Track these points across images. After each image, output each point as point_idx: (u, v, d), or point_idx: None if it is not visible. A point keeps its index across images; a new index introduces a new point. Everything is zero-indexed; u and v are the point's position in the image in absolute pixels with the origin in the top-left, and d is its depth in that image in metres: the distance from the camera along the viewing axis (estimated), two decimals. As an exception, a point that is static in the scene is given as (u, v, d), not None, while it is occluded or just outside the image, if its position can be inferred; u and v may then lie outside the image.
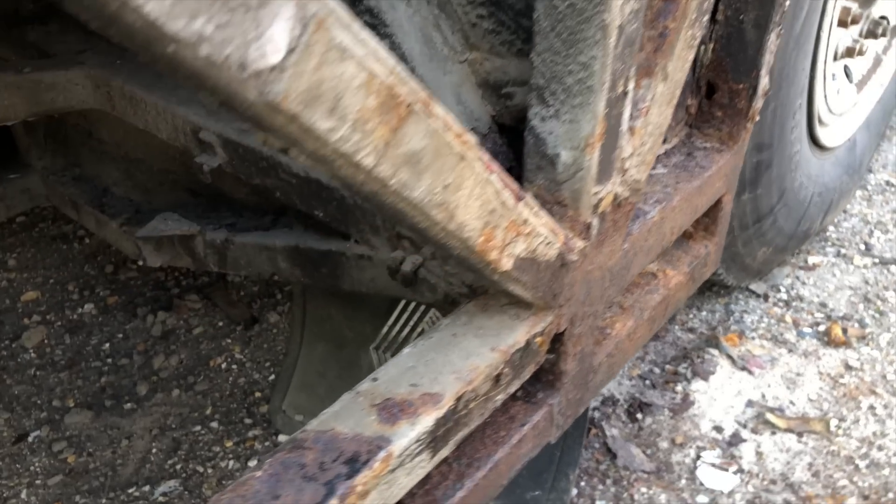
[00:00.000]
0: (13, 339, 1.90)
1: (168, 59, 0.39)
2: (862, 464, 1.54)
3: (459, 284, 0.98)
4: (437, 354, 0.77)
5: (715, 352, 1.80)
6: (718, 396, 1.69)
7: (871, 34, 1.86)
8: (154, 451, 1.62)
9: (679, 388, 1.71)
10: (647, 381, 1.74)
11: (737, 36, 1.08)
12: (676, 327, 1.91)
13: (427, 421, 0.71)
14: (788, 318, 1.92)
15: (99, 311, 1.99)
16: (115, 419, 1.69)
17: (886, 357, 1.80)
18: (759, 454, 1.56)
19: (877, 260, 2.12)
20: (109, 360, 1.84)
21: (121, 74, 1.35)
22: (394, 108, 0.49)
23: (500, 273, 0.69)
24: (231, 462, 1.59)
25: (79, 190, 1.72)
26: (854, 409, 1.66)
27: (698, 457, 1.56)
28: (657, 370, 1.77)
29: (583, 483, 1.52)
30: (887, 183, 2.48)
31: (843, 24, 1.77)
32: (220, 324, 1.94)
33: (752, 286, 2.01)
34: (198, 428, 1.67)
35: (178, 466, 1.58)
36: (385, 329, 1.54)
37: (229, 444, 1.63)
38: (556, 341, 0.89)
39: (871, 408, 1.67)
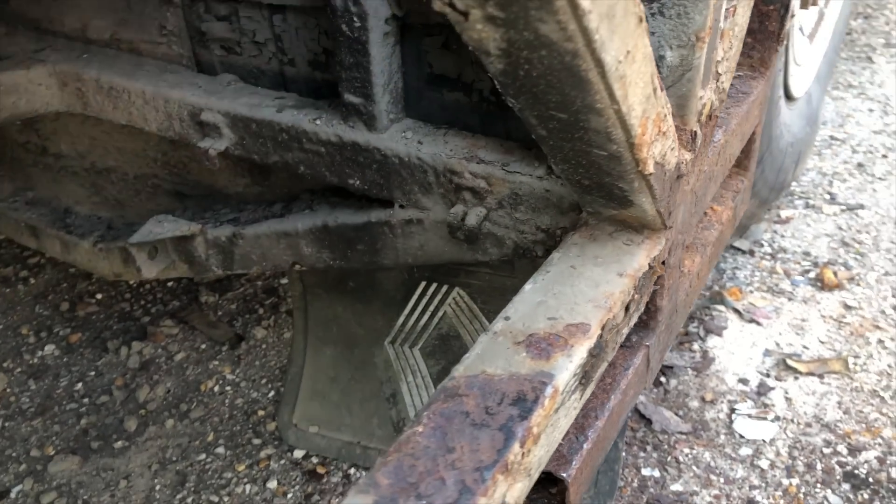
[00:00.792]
0: (-31, 393, 1.70)
1: None
2: (886, 395, 1.55)
3: (533, 231, 0.91)
4: (563, 287, 0.70)
5: (721, 308, 1.79)
6: (736, 350, 1.67)
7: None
8: (158, 487, 1.46)
9: (696, 346, 1.68)
10: (662, 345, 1.71)
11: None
12: (675, 291, 1.89)
13: (581, 352, 0.63)
14: (779, 269, 1.93)
15: (62, 352, 1.81)
16: (107, 460, 1.52)
17: (879, 294, 1.83)
18: (788, 400, 1.55)
19: (844, 207, 2.18)
20: (86, 400, 1.67)
21: (92, 67, 1.22)
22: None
23: (643, 177, 0.63)
24: (248, 486, 1.45)
25: (36, 214, 1.55)
26: (865, 346, 1.68)
27: (732, 410, 1.53)
28: (668, 333, 1.74)
29: (623, 453, 1.46)
30: (832, 138, 2.57)
31: (799, -26, 1.81)
32: (203, 346, 1.79)
33: (736, 243, 2.03)
34: (202, 456, 1.52)
35: (190, 500, 1.43)
36: (401, 320, 1.45)
37: (241, 467, 1.49)
38: (656, 273, 0.83)
39: (881, 342, 1.69)
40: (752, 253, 2.01)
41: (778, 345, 1.69)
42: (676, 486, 1.38)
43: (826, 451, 1.44)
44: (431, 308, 1.41)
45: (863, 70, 3.02)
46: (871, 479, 1.37)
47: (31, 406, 1.66)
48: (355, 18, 0.90)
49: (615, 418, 0.84)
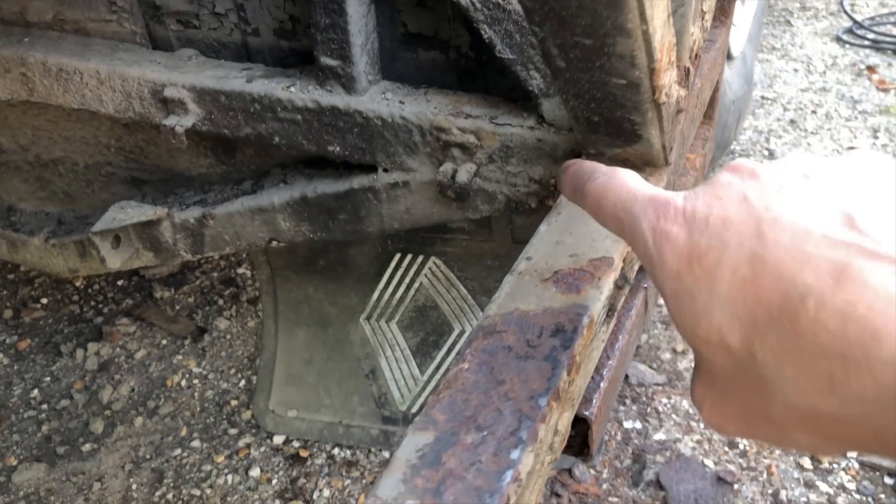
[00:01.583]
0: (-86, 410, 1.60)
1: None
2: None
3: (526, 183, 0.91)
4: (578, 226, 0.70)
5: (681, 263, 1.83)
6: (699, 301, 1.72)
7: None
8: (135, 486, 1.41)
9: (661, 301, 1.72)
10: (628, 304, 1.74)
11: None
12: (633, 251, 1.93)
13: (608, 284, 0.64)
14: (730, 224, 1.99)
15: (11, 360, 1.72)
16: (76, 464, 1.45)
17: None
18: (754, 344, 1.60)
19: (782, 161, 2.26)
20: (44, 406, 1.59)
21: (37, 50, 1.16)
22: None
23: (656, 107, 0.64)
24: (229, 477, 1.41)
25: (-24, 215, 1.47)
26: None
27: (703, 358, 1.57)
28: (632, 292, 1.78)
29: (603, 409, 1.48)
30: (763, 97, 2.66)
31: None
32: (164, 342, 1.73)
33: (687, 202, 2.08)
34: (178, 451, 1.47)
35: (171, 496, 1.38)
36: (376, 295, 1.43)
37: (220, 459, 1.45)
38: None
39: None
40: (701, 210, 2.06)
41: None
42: (659, 436, 1.42)
43: (794, 389, 1.49)
44: (407, 280, 1.40)
45: (783, 33, 3.14)
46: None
47: (-15, 418, 1.58)
48: (330, -23, 0.88)
49: (624, 359, 0.85)
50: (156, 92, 1.08)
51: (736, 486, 1.31)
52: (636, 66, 0.57)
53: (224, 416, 1.54)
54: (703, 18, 0.79)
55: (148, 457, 1.46)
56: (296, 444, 1.47)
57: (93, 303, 1.86)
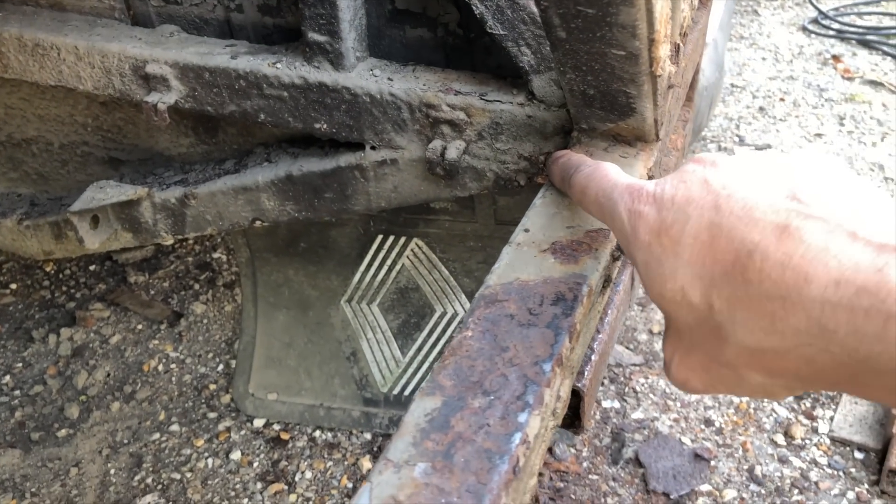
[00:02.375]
0: None
1: None
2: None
3: (515, 160, 0.92)
4: (572, 198, 0.71)
5: (656, 246, 1.85)
6: (675, 284, 1.74)
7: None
8: (113, 471, 1.39)
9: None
10: (605, 286, 1.76)
11: None
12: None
13: (606, 255, 0.65)
14: (703, 208, 2.02)
15: (-19, 346, 1.68)
16: (52, 450, 1.43)
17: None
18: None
19: (752, 147, 2.30)
20: (17, 392, 1.56)
21: (12, 24, 1.13)
22: None
23: (653, 80, 0.65)
24: (210, 460, 1.40)
25: (-56, 197, 1.43)
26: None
27: (679, 339, 1.60)
28: (609, 275, 1.80)
29: (582, 389, 1.50)
30: (732, 85, 2.70)
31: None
32: (140, 327, 1.71)
33: (660, 188, 2.11)
34: (156, 436, 1.46)
35: (150, 480, 1.37)
36: (357, 277, 1.43)
37: (200, 442, 1.44)
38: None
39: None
40: (675, 195, 2.09)
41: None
42: (637, 414, 1.44)
43: (768, 368, 1.53)
44: (389, 262, 1.40)
45: (751, 22, 3.18)
46: (811, 389, 1.47)
47: (-45, 405, 1.54)
48: (318, -49, 0.87)
49: (612, 333, 0.86)
50: (137, 68, 1.06)
51: (713, 463, 1.34)
52: (637, 36, 0.57)
53: (203, 401, 1.52)
54: (691, -5, 0.80)
55: (126, 441, 1.44)
56: (276, 426, 1.47)
57: (64, 288, 1.83)
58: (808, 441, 1.37)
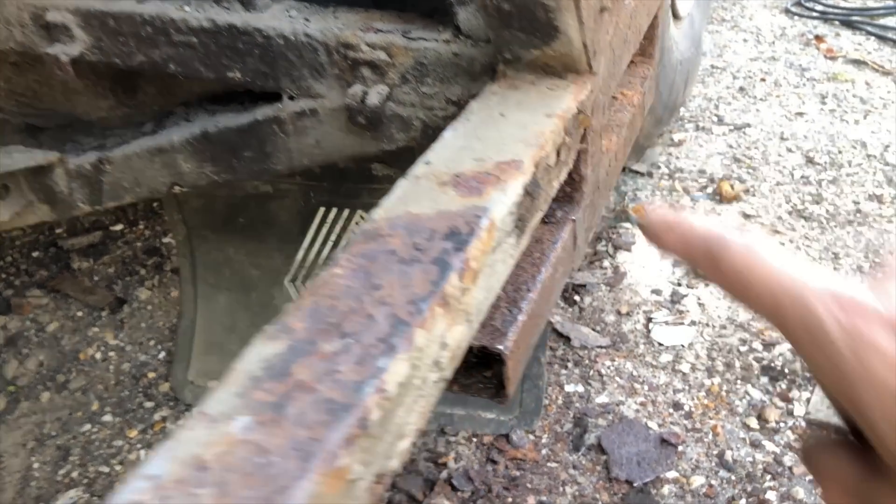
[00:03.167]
0: None
1: None
2: (791, 293, 1.57)
3: (443, 105, 0.83)
4: (487, 131, 0.62)
5: (627, 225, 1.77)
6: (646, 263, 1.65)
7: None
8: (36, 465, 1.29)
9: (606, 263, 1.66)
10: (573, 267, 1.67)
11: None
12: (579, 216, 1.86)
13: (516, 188, 0.56)
14: (678, 187, 1.94)
15: None
16: (-27, 443, 1.33)
17: (773, 202, 1.87)
18: (701, 305, 1.54)
19: (731, 127, 2.22)
20: (-57, 384, 1.46)
21: None
22: None
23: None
24: (143, 452, 1.31)
25: None
26: (766, 250, 1.70)
27: (649, 320, 1.51)
28: (577, 255, 1.71)
29: (545, 371, 1.41)
30: (713, 66, 2.62)
31: None
32: (80, 314, 1.61)
33: (634, 167, 2.02)
34: (87, 427, 1.36)
35: (75, 474, 1.27)
36: (301, 254, 1.33)
37: (133, 433, 1.34)
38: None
39: (781, 244, 1.71)
40: (650, 174, 2.00)
41: (685, 256, 1.69)
42: (602, 399, 1.34)
43: (742, 349, 1.44)
44: (333, 236, 1.31)
45: (733, 5, 3.10)
46: (786, 370, 1.38)
47: None
48: None
49: (547, 294, 0.76)
50: (37, 17, 0.96)
51: (680, 448, 1.25)
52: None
53: (140, 389, 1.43)
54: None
55: (53, 434, 1.35)
56: (216, 416, 1.37)
57: (3, 275, 1.73)
58: (782, 424, 1.28)
